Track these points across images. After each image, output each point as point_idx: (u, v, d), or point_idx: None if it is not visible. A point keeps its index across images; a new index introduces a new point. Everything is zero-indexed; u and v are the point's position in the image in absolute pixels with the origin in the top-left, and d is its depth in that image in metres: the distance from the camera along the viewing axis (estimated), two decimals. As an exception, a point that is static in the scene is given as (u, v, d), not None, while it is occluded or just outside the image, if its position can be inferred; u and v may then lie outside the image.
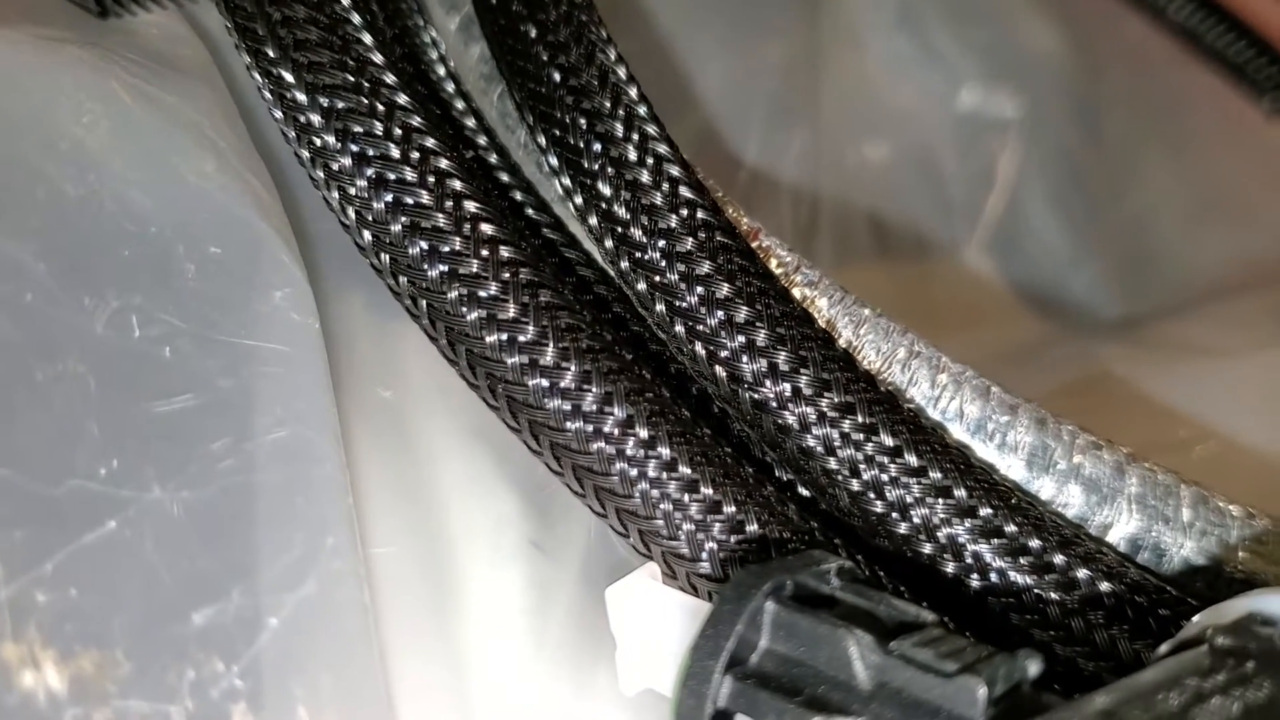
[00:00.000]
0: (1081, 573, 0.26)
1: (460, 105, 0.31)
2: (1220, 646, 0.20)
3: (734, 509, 0.25)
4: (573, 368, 0.25)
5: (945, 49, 0.61)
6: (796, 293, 0.29)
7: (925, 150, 0.59)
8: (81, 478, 0.24)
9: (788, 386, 0.26)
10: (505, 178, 0.30)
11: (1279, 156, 0.64)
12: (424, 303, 0.25)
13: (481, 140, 0.31)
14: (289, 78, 0.26)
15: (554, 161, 0.28)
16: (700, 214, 0.27)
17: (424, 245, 0.25)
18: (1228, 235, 0.64)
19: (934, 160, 0.59)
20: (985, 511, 0.26)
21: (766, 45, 0.52)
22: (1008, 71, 0.62)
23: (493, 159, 0.30)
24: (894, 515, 0.26)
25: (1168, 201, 0.65)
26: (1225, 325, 0.56)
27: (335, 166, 0.26)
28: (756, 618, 0.21)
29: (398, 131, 0.26)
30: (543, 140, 0.28)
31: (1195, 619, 0.23)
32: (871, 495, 0.26)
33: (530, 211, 0.30)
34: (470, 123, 0.31)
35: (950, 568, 0.26)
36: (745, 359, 0.26)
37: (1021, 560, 0.26)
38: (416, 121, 0.26)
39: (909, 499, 0.26)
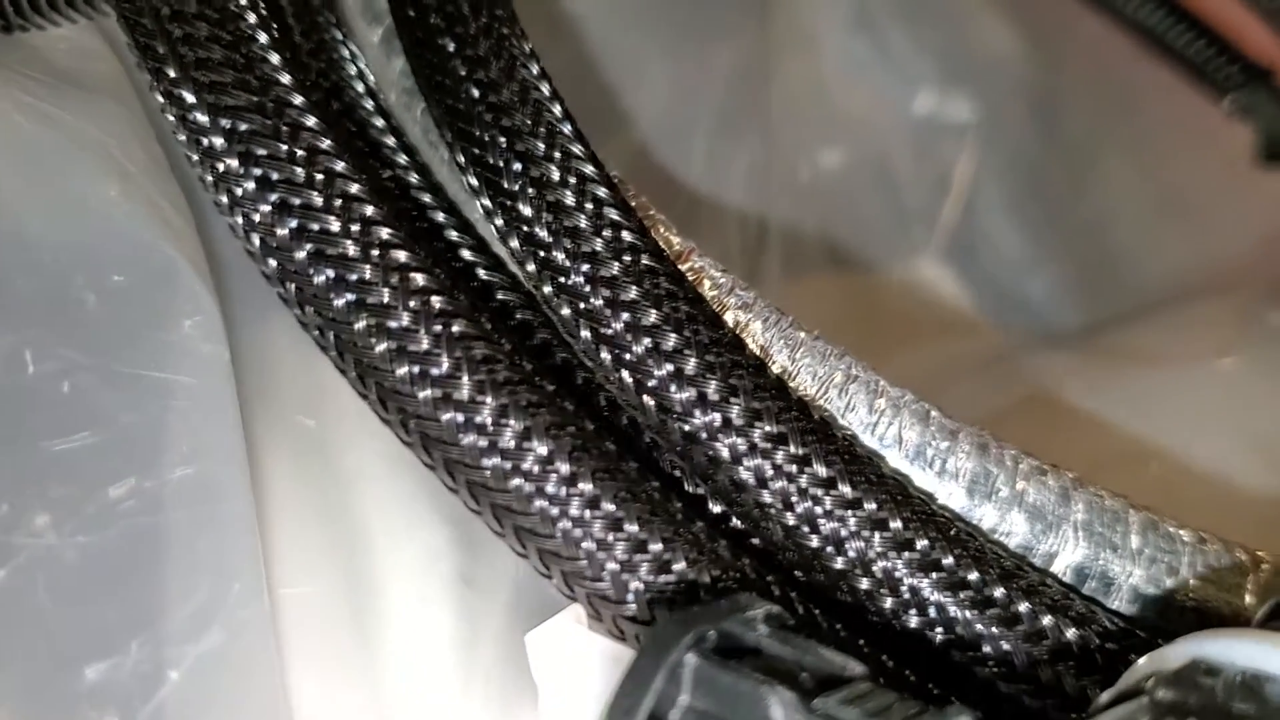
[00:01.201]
0: (1023, 606, 0.25)
1: (380, 123, 0.30)
2: (1161, 700, 0.19)
3: (660, 547, 0.24)
4: (489, 401, 0.23)
5: (901, 52, 0.61)
6: (730, 316, 0.28)
7: (880, 157, 0.58)
8: (-32, 525, 0.22)
9: (718, 416, 0.25)
10: (427, 198, 0.29)
11: (1238, 156, 0.64)
12: (331, 334, 0.24)
13: (402, 159, 0.29)
14: (190, 98, 0.25)
15: (474, 181, 0.27)
16: (626, 236, 0.26)
17: (330, 273, 0.24)
18: (1187, 237, 0.63)
19: (889, 167, 0.58)
20: (922, 544, 0.25)
21: (714, 51, 0.51)
22: (964, 74, 0.62)
23: (413, 179, 0.29)
24: (829, 549, 0.25)
25: (1127, 203, 0.64)
26: (1185, 331, 0.55)
27: (239, 191, 0.24)
28: (677, 671, 0.20)
29: (303, 154, 0.24)
30: (462, 159, 0.27)
31: (1139, 663, 0.22)
32: (806, 529, 0.25)
33: (453, 234, 0.29)
34: (390, 141, 0.30)
35: (888, 603, 0.25)
36: (673, 388, 0.25)
37: (961, 595, 0.25)
38: (325, 144, 0.25)
39: (844, 532, 0.25)
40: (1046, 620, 0.25)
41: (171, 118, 0.26)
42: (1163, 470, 0.42)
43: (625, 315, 0.25)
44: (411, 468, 0.30)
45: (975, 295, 0.58)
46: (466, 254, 0.29)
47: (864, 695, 0.19)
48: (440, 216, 0.29)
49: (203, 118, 0.25)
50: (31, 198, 0.26)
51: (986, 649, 0.25)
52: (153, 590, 0.23)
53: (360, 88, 0.30)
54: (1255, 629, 0.22)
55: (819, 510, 0.25)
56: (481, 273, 0.29)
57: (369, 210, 0.24)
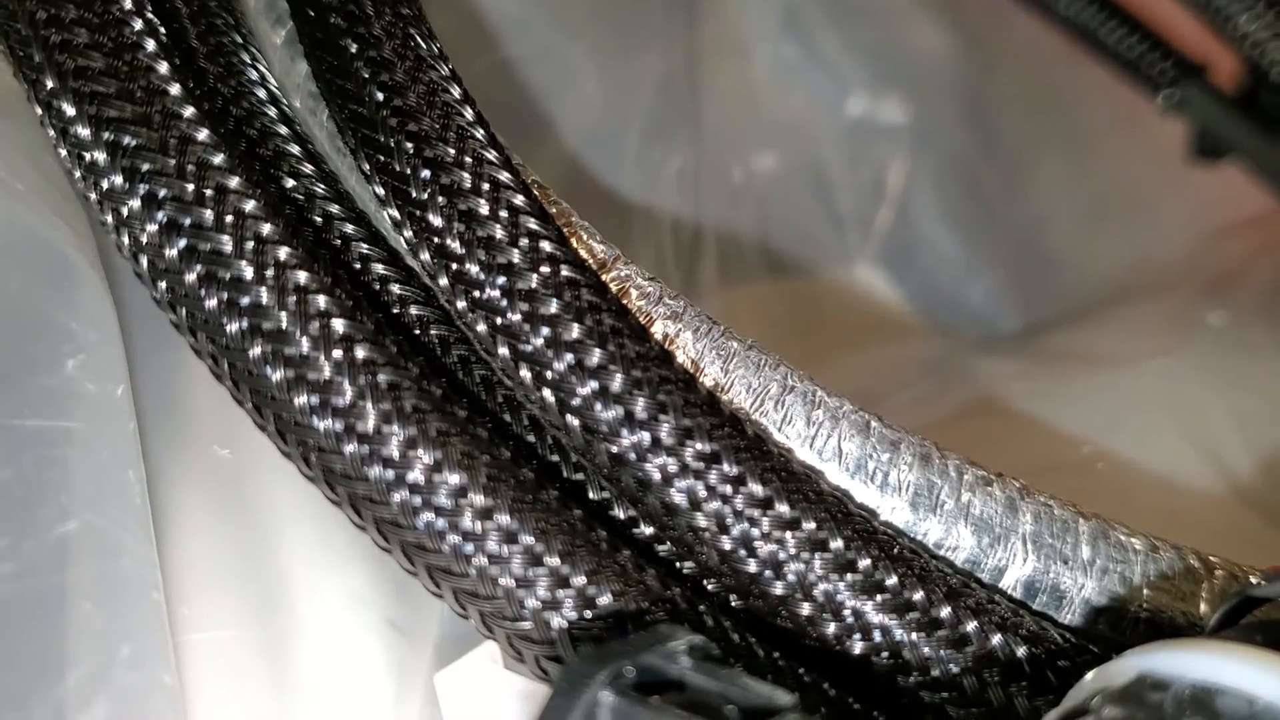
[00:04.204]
0: (971, 626, 0.24)
1: (284, 130, 0.28)
2: (1108, 718, 0.18)
3: (584, 581, 0.22)
4: (396, 432, 0.22)
5: (832, 54, 0.60)
6: (659, 327, 0.26)
7: (814, 161, 0.57)
8: None
9: (646, 435, 0.23)
10: (334, 209, 0.27)
11: (1173, 153, 0.63)
12: (225, 361, 0.22)
13: (307, 169, 0.27)
14: (70, 110, 0.23)
15: (380, 191, 0.25)
16: (545, 246, 0.24)
17: (223, 297, 0.22)
18: (1125, 236, 0.63)
19: (823, 171, 0.57)
20: (865, 564, 0.23)
21: (643, 55, 0.50)
22: (897, 76, 0.61)
23: (319, 189, 0.27)
24: (768, 573, 0.23)
25: (1064, 204, 0.64)
26: (1125, 331, 0.55)
27: (124, 210, 0.23)
28: (593, 711, 0.18)
29: (193, 169, 0.23)
30: (367, 167, 0.25)
31: (1086, 679, 0.20)
32: (743, 552, 0.23)
33: (363, 246, 0.27)
34: (295, 149, 0.28)
35: (831, 628, 0.23)
36: (599, 406, 0.24)
37: (907, 616, 0.23)
38: (218, 159, 0.23)
39: (783, 555, 0.23)
40: (996, 639, 0.24)
41: (52, 132, 0.24)
42: (1108, 473, 0.41)
43: (545, 330, 0.24)
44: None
45: (913, 299, 0.57)
46: (378, 267, 0.27)
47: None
48: (349, 228, 0.27)
49: (84, 131, 0.23)
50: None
51: (935, 672, 0.23)
52: (27, 663, 0.21)
53: (262, 93, 0.28)
54: (1205, 638, 0.20)
55: (756, 532, 0.23)
56: (395, 287, 0.27)
57: (265, 229, 0.23)
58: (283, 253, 0.23)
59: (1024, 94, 0.65)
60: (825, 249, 0.56)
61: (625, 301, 0.26)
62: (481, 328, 0.24)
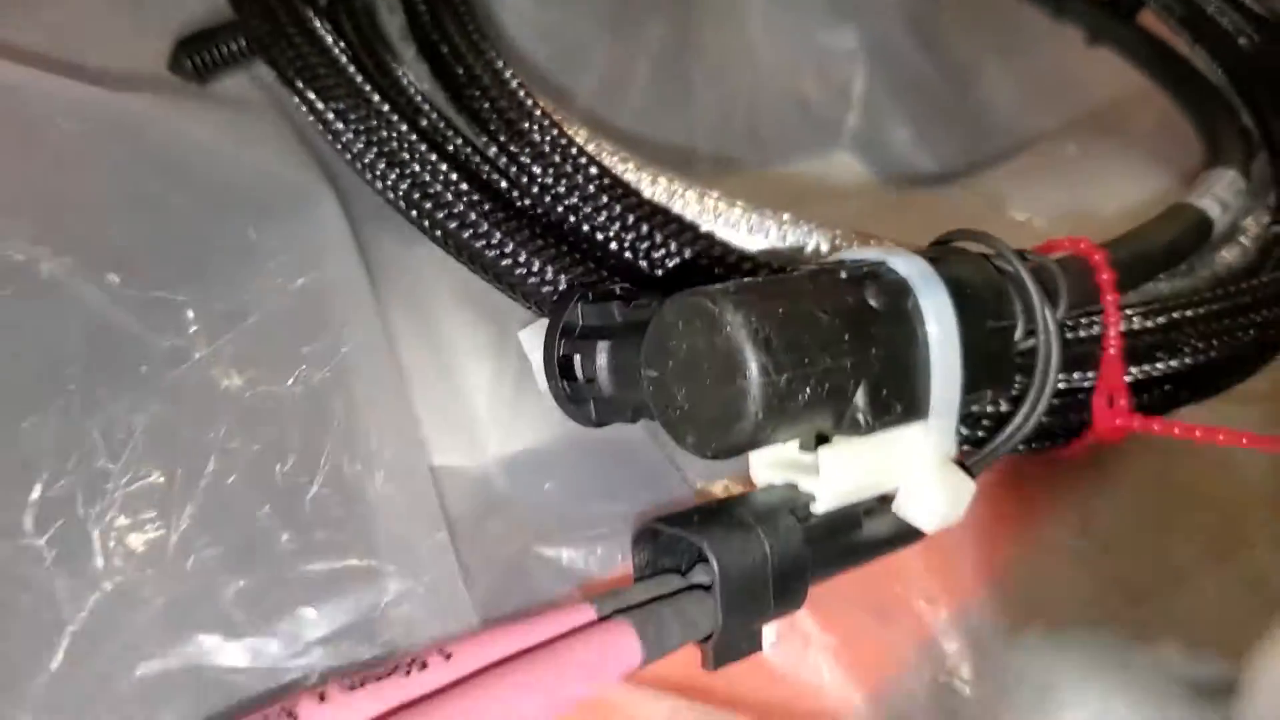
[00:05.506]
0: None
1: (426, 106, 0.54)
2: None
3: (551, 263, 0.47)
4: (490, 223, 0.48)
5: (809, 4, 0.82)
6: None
7: (793, 87, 0.79)
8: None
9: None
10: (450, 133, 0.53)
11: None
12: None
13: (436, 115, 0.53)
14: (321, 106, 0.50)
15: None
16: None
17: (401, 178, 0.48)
18: (1053, 107, 0.83)
19: (801, 92, 0.80)
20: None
21: (646, 26, 0.74)
22: (856, 11, 0.83)
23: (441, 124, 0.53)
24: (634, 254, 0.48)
25: (1002, 92, 0.83)
26: (1039, 172, 0.76)
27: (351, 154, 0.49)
28: (576, 308, 0.43)
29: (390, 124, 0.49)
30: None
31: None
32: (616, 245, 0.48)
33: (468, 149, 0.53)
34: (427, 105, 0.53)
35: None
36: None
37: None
38: (386, 107, 0.49)
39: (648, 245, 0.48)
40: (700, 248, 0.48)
41: (311, 117, 0.50)
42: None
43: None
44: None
45: (877, 171, 0.79)
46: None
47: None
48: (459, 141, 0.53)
49: (331, 117, 0.50)
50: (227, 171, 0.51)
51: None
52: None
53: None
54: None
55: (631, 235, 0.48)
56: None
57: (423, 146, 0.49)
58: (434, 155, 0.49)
59: (963, 12, 0.86)
60: (805, 149, 0.78)
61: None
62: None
